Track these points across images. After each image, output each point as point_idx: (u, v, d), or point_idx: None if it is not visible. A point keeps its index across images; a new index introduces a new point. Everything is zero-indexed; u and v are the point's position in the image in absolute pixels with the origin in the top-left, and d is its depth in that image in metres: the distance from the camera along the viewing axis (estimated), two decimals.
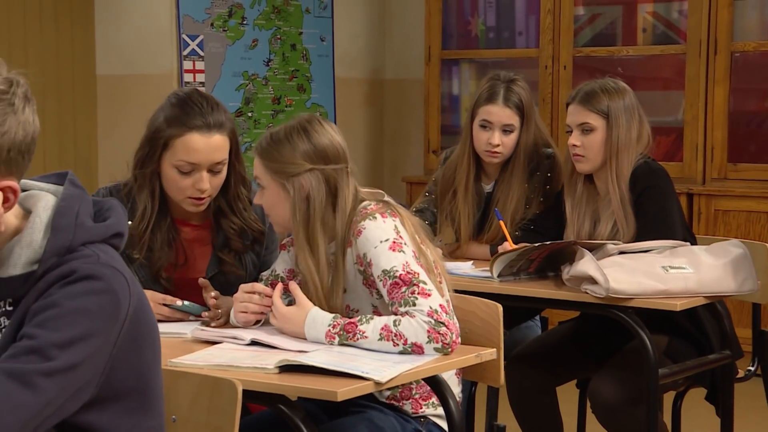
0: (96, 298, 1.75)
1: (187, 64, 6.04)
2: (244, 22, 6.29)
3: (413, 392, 2.74)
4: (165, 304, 2.92)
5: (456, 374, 2.80)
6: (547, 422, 3.74)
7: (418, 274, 2.59)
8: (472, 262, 3.72)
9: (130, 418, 1.84)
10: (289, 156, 2.70)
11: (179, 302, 2.91)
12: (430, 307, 2.53)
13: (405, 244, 2.64)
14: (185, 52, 6.03)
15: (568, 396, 3.91)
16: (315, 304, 2.67)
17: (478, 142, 3.82)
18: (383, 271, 2.60)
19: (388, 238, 2.63)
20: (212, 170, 2.93)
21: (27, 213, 1.85)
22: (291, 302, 2.75)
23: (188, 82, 6.03)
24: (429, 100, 6.51)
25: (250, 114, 6.33)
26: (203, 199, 2.95)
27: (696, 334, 3.52)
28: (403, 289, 2.56)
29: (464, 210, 3.85)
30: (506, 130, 3.79)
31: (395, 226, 2.66)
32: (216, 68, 6.17)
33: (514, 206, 3.79)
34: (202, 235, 3.06)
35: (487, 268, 3.48)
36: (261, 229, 3.06)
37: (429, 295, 2.55)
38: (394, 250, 2.62)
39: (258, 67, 6.37)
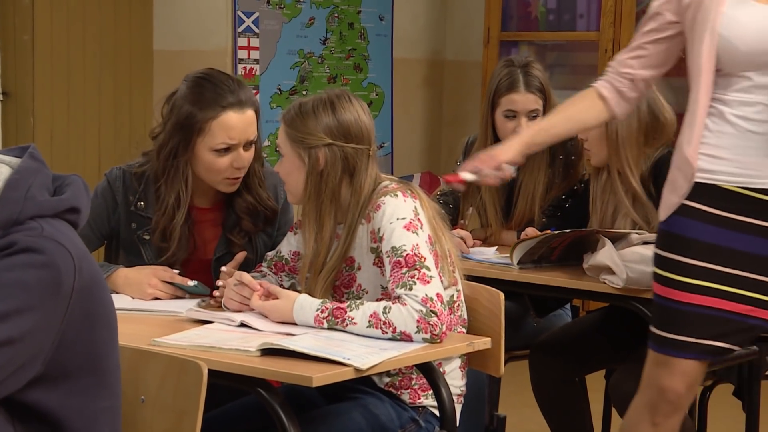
0: (35, 272, 1.71)
1: (242, 41, 6.03)
2: (301, 0, 6.26)
3: (413, 382, 2.70)
4: (172, 283, 2.90)
5: (460, 367, 2.75)
6: (569, 412, 3.67)
7: (424, 258, 2.54)
8: (496, 248, 3.66)
9: (81, 397, 1.81)
10: (312, 127, 2.67)
11: (190, 282, 2.90)
12: (426, 294, 2.48)
13: (421, 227, 2.60)
14: (240, 29, 6.02)
15: (596, 385, 3.83)
16: (305, 278, 2.67)
17: (504, 132, 3.71)
18: (392, 247, 2.57)
19: (405, 216, 2.60)
20: (245, 146, 2.93)
21: None
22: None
23: (242, 59, 6.03)
24: (487, 82, 6.39)
25: (304, 92, 6.31)
26: (238, 178, 2.94)
27: None
28: (404, 270, 2.52)
29: (489, 199, 3.79)
30: (532, 116, 3.71)
31: (415, 208, 2.63)
32: (271, 46, 6.16)
33: (539, 191, 3.72)
34: (213, 217, 3.04)
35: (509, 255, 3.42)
36: (274, 207, 3.04)
37: (428, 282, 2.51)
38: (408, 230, 2.58)
39: (314, 45, 6.35)
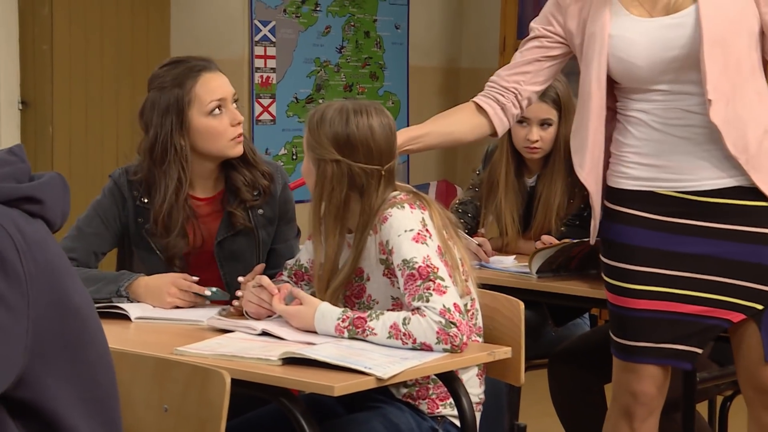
0: None
1: (259, 50, 6.05)
2: (318, 9, 6.28)
3: (430, 392, 2.69)
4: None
5: (478, 375, 2.75)
6: (588, 421, 3.66)
7: (437, 269, 2.54)
8: (515, 256, 3.67)
9: (67, 389, 1.77)
10: (323, 140, 2.66)
11: (208, 292, 2.91)
12: (444, 306, 2.48)
13: (429, 237, 2.59)
14: (257, 38, 6.05)
15: None
16: (317, 287, 2.68)
17: (516, 139, 3.77)
18: (403, 260, 2.56)
19: (413, 228, 2.59)
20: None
21: None
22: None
23: (259, 68, 6.05)
24: None
25: (320, 101, 6.32)
26: (240, 135, 3.00)
27: None
28: (419, 282, 2.52)
29: (507, 207, 3.80)
30: (544, 124, 3.73)
31: (422, 219, 2.62)
32: (287, 54, 6.18)
33: (557, 201, 3.72)
34: (215, 206, 3.08)
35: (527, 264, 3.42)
36: (270, 172, 3.09)
37: (444, 293, 2.50)
38: (417, 242, 2.57)
39: (330, 53, 6.36)
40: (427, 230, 2.60)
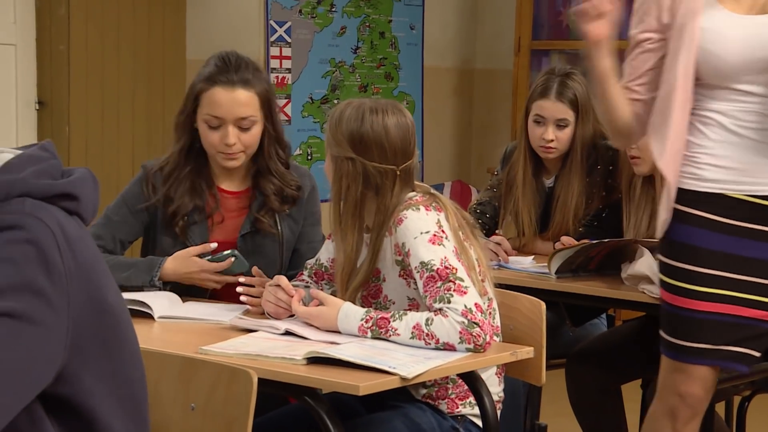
0: (19, 248, 1.66)
1: (274, 51, 6.07)
2: (333, 9, 6.29)
3: (449, 392, 2.70)
4: (214, 259, 2.96)
5: (497, 374, 2.76)
6: (607, 422, 3.68)
7: (456, 269, 2.54)
8: (533, 257, 3.68)
9: (103, 386, 1.76)
10: (340, 136, 2.69)
11: (230, 259, 2.96)
12: (465, 306, 2.49)
13: (446, 238, 2.60)
14: (272, 38, 6.06)
15: (632, 395, 3.84)
16: (337, 285, 2.70)
17: (532, 138, 3.78)
18: (421, 262, 2.57)
19: (428, 230, 2.60)
20: (241, 126, 3.00)
21: None
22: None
23: (274, 68, 6.06)
24: (517, 91, 6.43)
25: (336, 101, 6.34)
26: (233, 154, 3.01)
27: None
28: (439, 284, 2.53)
29: (524, 206, 3.81)
30: (560, 124, 3.74)
31: (438, 220, 2.63)
32: (303, 55, 6.19)
33: (574, 202, 3.73)
34: (241, 201, 3.12)
35: (546, 264, 3.43)
36: (298, 184, 3.11)
37: (465, 293, 2.51)
38: (433, 243, 2.58)
39: (345, 54, 6.38)
40: (443, 231, 2.61)
